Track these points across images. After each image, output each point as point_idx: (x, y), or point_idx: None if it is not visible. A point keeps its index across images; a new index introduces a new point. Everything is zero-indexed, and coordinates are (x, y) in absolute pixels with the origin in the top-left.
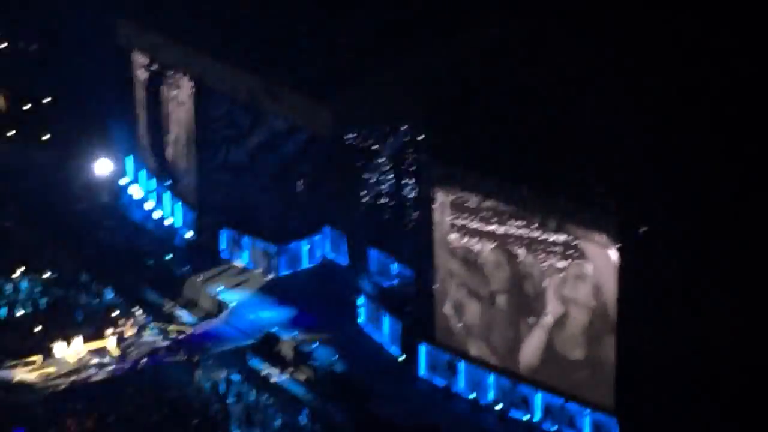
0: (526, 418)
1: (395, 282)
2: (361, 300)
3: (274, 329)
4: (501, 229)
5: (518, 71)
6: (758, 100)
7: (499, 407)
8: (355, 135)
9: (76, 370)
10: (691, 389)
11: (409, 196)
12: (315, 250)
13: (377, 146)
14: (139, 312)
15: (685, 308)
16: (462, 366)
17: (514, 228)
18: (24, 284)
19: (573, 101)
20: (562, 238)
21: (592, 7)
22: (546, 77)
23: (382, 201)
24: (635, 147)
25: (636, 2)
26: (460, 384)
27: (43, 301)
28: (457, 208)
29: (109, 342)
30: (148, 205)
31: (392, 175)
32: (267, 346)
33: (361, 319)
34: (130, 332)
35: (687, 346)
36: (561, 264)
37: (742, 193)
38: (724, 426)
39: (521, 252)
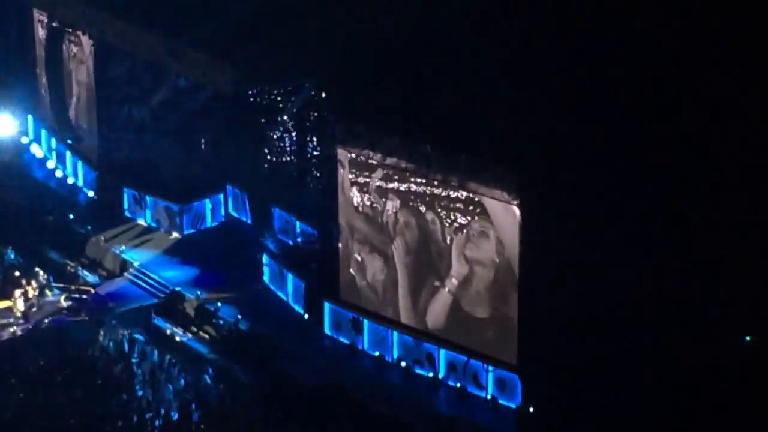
0: (430, 375)
1: (299, 240)
2: (265, 259)
3: (178, 288)
4: (403, 186)
5: (423, 27)
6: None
7: (403, 365)
8: (257, 92)
9: None
10: (593, 347)
11: (313, 154)
12: (218, 208)
13: (280, 104)
14: (41, 272)
15: (587, 264)
16: (366, 324)
17: (416, 185)
18: None
19: (474, 57)
20: (464, 195)
21: None
22: (450, 32)
23: (286, 159)
24: (536, 102)
25: None
26: (365, 342)
27: None
28: (360, 165)
29: (11, 302)
30: (50, 164)
31: (295, 133)
32: (171, 306)
33: (265, 277)
34: (32, 293)
35: (589, 303)
36: (463, 220)
37: (644, 144)
38: (625, 383)
39: (424, 209)
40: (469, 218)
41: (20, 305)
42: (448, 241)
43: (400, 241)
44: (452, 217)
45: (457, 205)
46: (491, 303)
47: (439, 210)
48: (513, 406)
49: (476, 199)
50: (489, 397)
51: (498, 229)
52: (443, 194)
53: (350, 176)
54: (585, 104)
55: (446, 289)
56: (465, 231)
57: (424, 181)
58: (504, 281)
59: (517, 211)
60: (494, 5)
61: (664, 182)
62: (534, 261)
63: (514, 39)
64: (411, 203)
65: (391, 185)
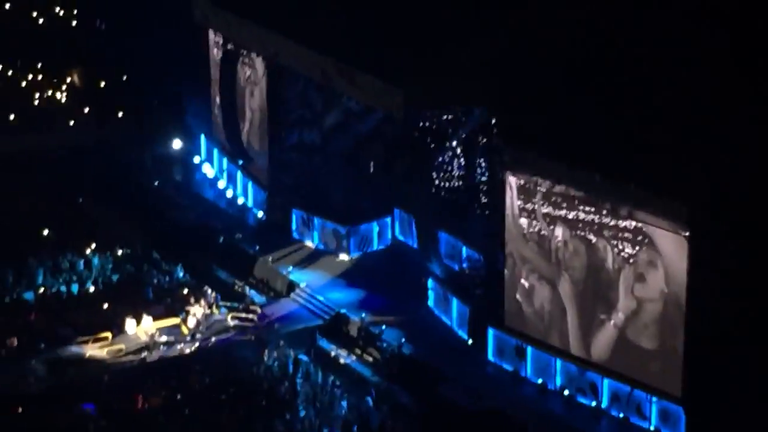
0: (593, 404)
1: (465, 265)
2: (430, 283)
3: (343, 310)
4: (572, 215)
5: (595, 55)
6: None
7: (566, 393)
8: (427, 116)
9: (146, 348)
10: (761, 381)
11: (481, 179)
12: (385, 232)
13: (450, 128)
14: (209, 291)
15: (757, 297)
16: (530, 351)
17: (584, 213)
18: (96, 261)
19: (648, 88)
20: (632, 224)
21: None
22: (621, 63)
23: (454, 184)
24: (709, 135)
25: None
26: (528, 369)
27: (115, 277)
28: (528, 192)
29: (180, 320)
30: (221, 184)
31: (464, 158)
32: (336, 327)
33: (430, 302)
34: (200, 311)
35: (759, 336)
36: (631, 251)
37: None
38: None
39: (593, 238)
40: (637, 248)
41: (188, 323)
42: (616, 272)
43: (569, 270)
44: (620, 247)
45: (626, 234)
46: (659, 335)
47: (608, 239)
48: None
49: (644, 229)
50: (652, 428)
51: (666, 259)
52: (611, 223)
53: (518, 203)
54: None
55: (612, 323)
56: (633, 262)
57: (592, 209)
58: (672, 313)
59: (686, 242)
60: (674, 35)
61: None
62: (702, 293)
63: (687, 71)
64: (579, 231)
65: (559, 213)
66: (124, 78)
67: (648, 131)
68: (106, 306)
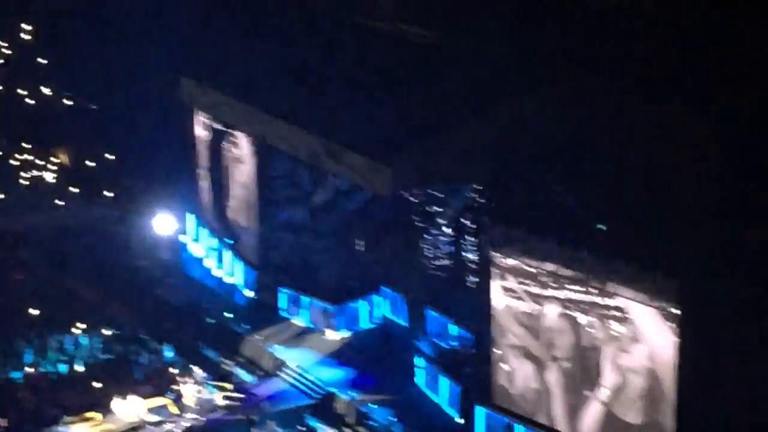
0: None
1: (454, 344)
2: (419, 361)
3: (333, 389)
4: (560, 294)
5: (582, 133)
6: None
7: None
8: (415, 194)
9: (135, 428)
10: None
11: (469, 257)
12: (374, 310)
13: (438, 206)
14: (198, 370)
15: (746, 373)
16: (520, 430)
17: (572, 293)
18: (84, 340)
19: (635, 167)
20: (620, 302)
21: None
22: (606, 143)
23: (442, 262)
24: (690, 214)
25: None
26: None
27: (103, 357)
28: (517, 271)
29: (168, 400)
30: (209, 263)
31: (452, 236)
32: (325, 406)
33: (419, 380)
34: (189, 390)
35: (748, 411)
36: (619, 329)
37: None
38: None
39: (580, 317)
40: (622, 325)
41: (173, 403)
42: (601, 348)
43: (555, 349)
44: (607, 325)
45: (612, 312)
46: (645, 410)
47: (594, 317)
48: None
49: (631, 307)
50: None
51: (653, 337)
52: (599, 301)
53: (507, 281)
54: (744, 213)
55: (598, 400)
56: (619, 338)
57: (581, 288)
58: (659, 389)
59: (674, 320)
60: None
61: None
62: (692, 370)
63: (673, 151)
64: (567, 311)
65: (547, 292)
66: (112, 157)
67: (633, 209)
68: (94, 386)
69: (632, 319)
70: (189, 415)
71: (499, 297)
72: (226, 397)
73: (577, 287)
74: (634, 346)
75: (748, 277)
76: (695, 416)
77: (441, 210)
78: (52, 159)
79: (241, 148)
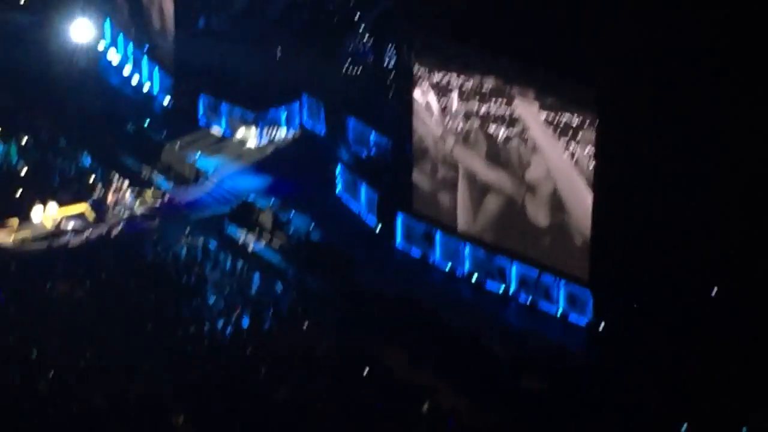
0: (501, 289)
1: (373, 151)
2: (338, 169)
3: (251, 197)
4: (478, 104)
5: None
6: None
7: (474, 278)
8: (335, 1)
9: (52, 235)
10: (666, 261)
11: (389, 65)
12: (293, 117)
13: (358, 13)
14: (116, 177)
15: (662, 181)
16: (438, 237)
17: (490, 104)
18: (0, 148)
19: None
20: (535, 110)
21: None
22: None
23: (362, 69)
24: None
25: None
26: (437, 255)
27: (20, 165)
28: (436, 77)
29: (86, 207)
30: (126, 70)
31: (372, 44)
32: (244, 214)
33: (338, 188)
34: (107, 198)
35: (662, 219)
36: (539, 136)
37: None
38: (700, 299)
39: (495, 127)
40: (544, 134)
41: (90, 210)
42: (518, 154)
43: (475, 156)
44: (528, 134)
45: (532, 121)
46: (557, 213)
47: (512, 126)
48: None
49: (552, 115)
50: (560, 312)
51: (574, 144)
52: (516, 113)
53: (426, 88)
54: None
55: (514, 205)
56: (537, 144)
57: (498, 98)
58: (574, 194)
59: (595, 127)
60: None
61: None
62: (609, 175)
63: None
64: (485, 120)
65: (466, 103)
66: None
67: (558, 17)
68: (11, 193)
69: (547, 127)
70: (107, 223)
71: (419, 105)
72: (143, 204)
73: (494, 97)
74: (552, 152)
75: (667, 86)
76: (611, 225)
77: (361, 16)
78: None
79: None
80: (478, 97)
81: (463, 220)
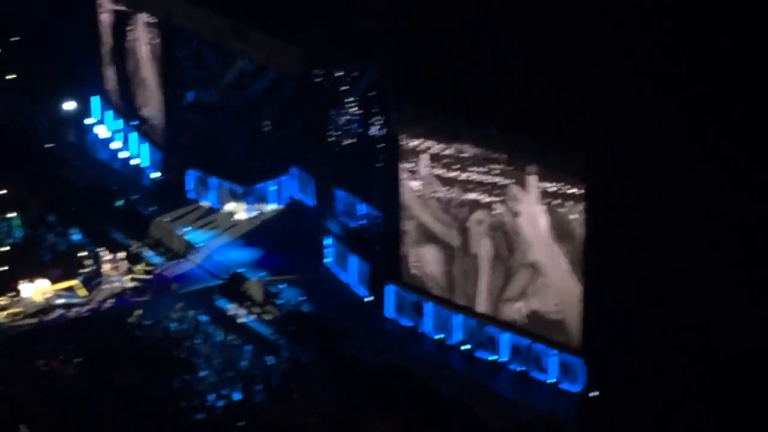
0: (492, 358)
1: (362, 222)
2: (328, 241)
3: (242, 270)
4: (466, 174)
5: (488, 10)
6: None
7: (465, 348)
8: (323, 74)
9: (43, 311)
10: (658, 330)
11: (377, 136)
12: (282, 190)
13: (345, 86)
14: (106, 252)
15: (653, 248)
16: (428, 307)
17: (477, 174)
18: None
19: (542, 42)
20: (528, 179)
21: None
22: (516, 14)
23: (350, 141)
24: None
25: None
26: (427, 325)
27: (10, 240)
28: (424, 150)
29: (76, 282)
30: (115, 145)
31: (360, 116)
32: (234, 287)
33: (328, 259)
34: (97, 273)
35: (653, 287)
36: (526, 207)
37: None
38: (692, 366)
39: (484, 197)
40: (532, 205)
41: (80, 285)
42: (508, 227)
43: (462, 227)
44: (511, 204)
45: (519, 192)
46: (554, 288)
47: (498, 197)
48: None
49: (543, 185)
50: (553, 381)
51: (562, 215)
52: (502, 183)
53: (415, 160)
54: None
55: (503, 276)
56: (525, 216)
57: (484, 170)
58: (567, 266)
59: (582, 197)
60: None
61: (733, 178)
62: (599, 246)
63: (587, 26)
64: (472, 191)
65: (453, 173)
66: (16, 40)
67: (544, 87)
68: (1, 269)
69: (542, 197)
70: (97, 298)
71: (406, 176)
72: (134, 279)
73: (480, 169)
74: (541, 224)
75: (654, 156)
76: (602, 294)
77: (349, 89)
78: None
79: (147, 29)
80: (466, 166)
81: (454, 291)
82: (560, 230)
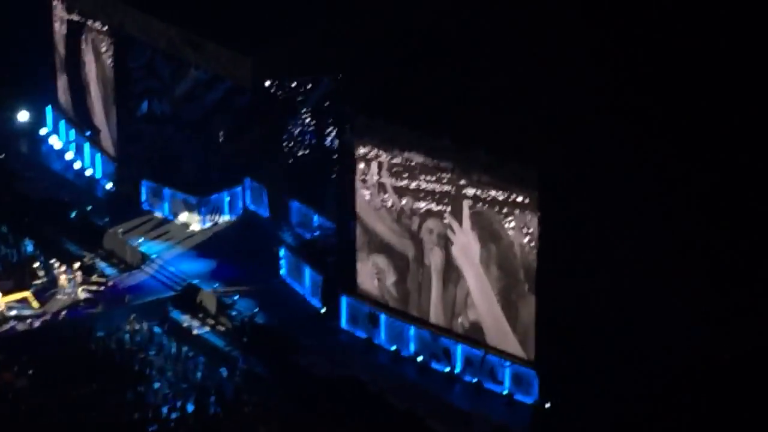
0: (446, 370)
1: (316, 234)
2: (282, 252)
3: (195, 281)
4: (413, 185)
5: (442, 22)
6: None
7: (420, 359)
8: (276, 85)
9: None
10: (610, 341)
11: (331, 147)
12: (236, 201)
13: (300, 97)
14: (59, 264)
15: (604, 261)
16: (383, 318)
17: (426, 183)
18: None
19: (492, 52)
20: (478, 192)
21: None
22: (470, 27)
23: (304, 152)
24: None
25: None
26: (382, 336)
27: None
28: (377, 159)
29: (29, 294)
30: (68, 156)
31: (314, 127)
32: (188, 298)
33: (282, 271)
34: (50, 284)
35: (605, 298)
36: (477, 219)
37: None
38: (642, 377)
39: (435, 207)
40: (483, 215)
41: (33, 297)
42: (459, 238)
43: (414, 238)
44: (461, 216)
45: (469, 202)
46: (507, 300)
47: (448, 207)
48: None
49: (489, 197)
50: (506, 392)
51: (513, 229)
52: (454, 192)
53: (369, 171)
54: (608, 103)
55: (458, 282)
56: (477, 228)
57: (433, 178)
58: (520, 278)
59: (535, 211)
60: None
61: (688, 184)
62: (552, 258)
63: (539, 34)
64: (423, 201)
65: (405, 183)
66: None
67: (497, 98)
68: None
69: (487, 207)
70: (50, 309)
71: (359, 186)
72: (87, 291)
73: (430, 177)
74: (492, 236)
75: (607, 167)
76: (555, 306)
77: (303, 100)
78: None
79: (100, 39)
80: (416, 174)
81: (408, 302)
82: (511, 245)
